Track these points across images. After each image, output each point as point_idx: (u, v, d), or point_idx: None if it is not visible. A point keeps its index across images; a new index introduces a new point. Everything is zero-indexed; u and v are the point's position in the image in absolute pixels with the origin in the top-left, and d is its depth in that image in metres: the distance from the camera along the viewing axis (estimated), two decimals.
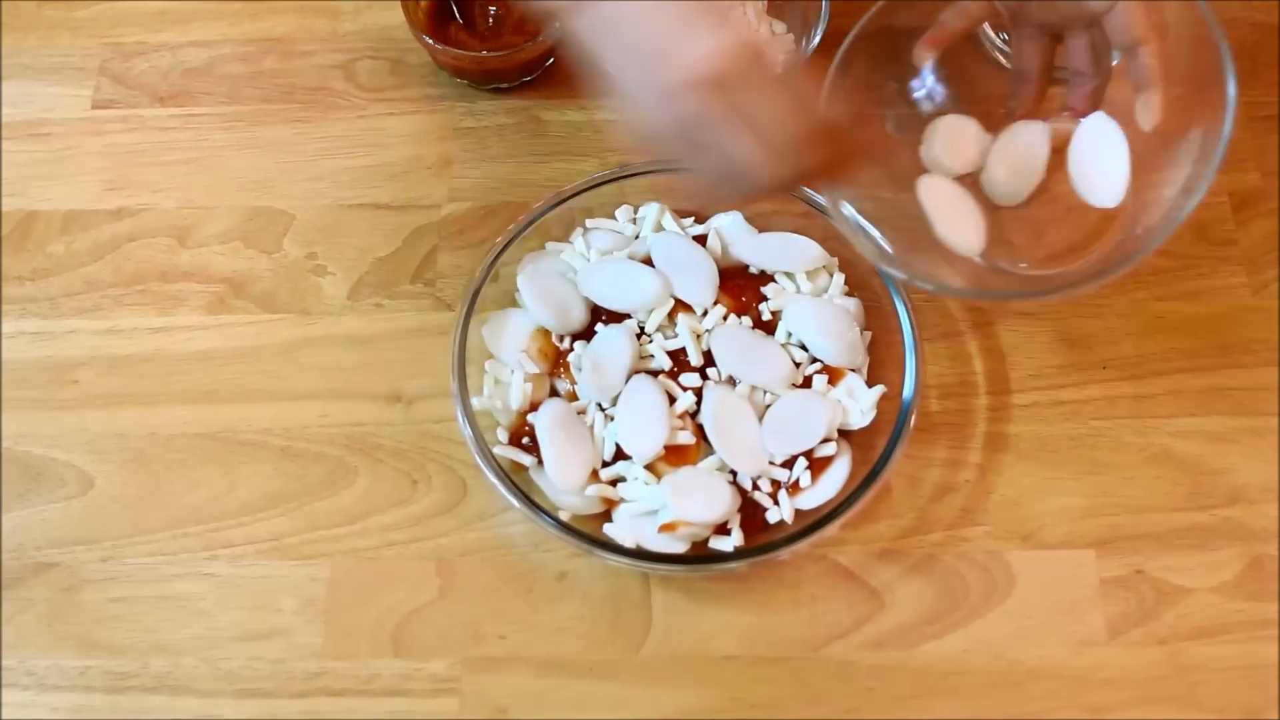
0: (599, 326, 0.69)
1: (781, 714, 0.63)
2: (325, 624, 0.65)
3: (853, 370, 0.67)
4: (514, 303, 0.71)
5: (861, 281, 0.70)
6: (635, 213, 0.73)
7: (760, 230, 0.71)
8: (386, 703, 0.64)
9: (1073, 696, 0.62)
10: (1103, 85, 0.63)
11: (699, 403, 0.66)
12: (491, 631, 0.65)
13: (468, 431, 0.65)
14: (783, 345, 0.68)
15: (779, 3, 0.80)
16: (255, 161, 0.79)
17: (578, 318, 0.69)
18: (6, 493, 0.69)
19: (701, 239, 0.71)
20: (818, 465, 0.65)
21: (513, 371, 0.68)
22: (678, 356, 0.68)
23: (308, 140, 0.80)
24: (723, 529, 0.64)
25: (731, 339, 0.68)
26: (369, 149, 0.79)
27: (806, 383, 0.67)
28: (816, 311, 0.68)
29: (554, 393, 0.68)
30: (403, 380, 0.71)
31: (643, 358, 0.68)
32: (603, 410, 0.67)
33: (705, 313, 0.69)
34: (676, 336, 0.68)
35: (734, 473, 0.65)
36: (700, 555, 0.64)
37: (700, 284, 0.69)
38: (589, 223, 0.72)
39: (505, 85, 0.80)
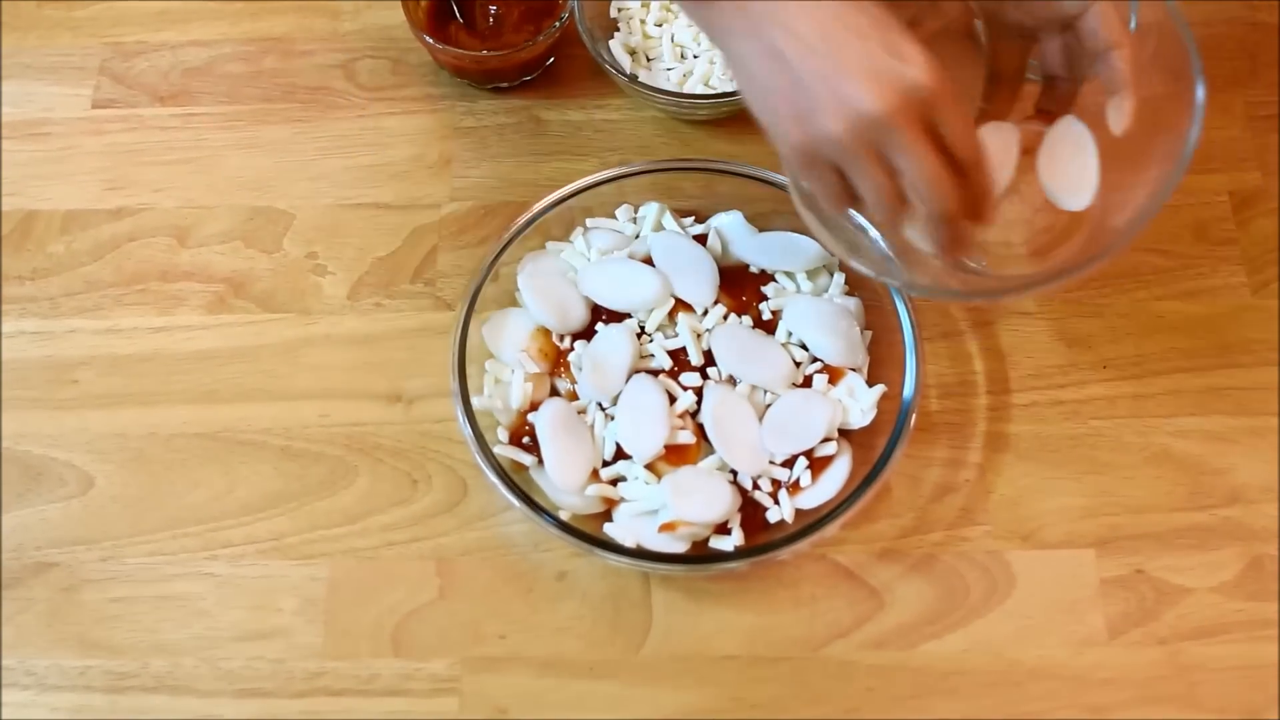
0: (599, 326, 0.69)
1: (781, 714, 0.63)
2: (325, 624, 0.65)
3: (853, 370, 0.67)
4: (514, 302, 0.71)
5: (861, 281, 0.70)
6: (635, 212, 0.73)
7: (760, 230, 0.71)
8: (386, 703, 0.63)
9: (1073, 696, 0.62)
10: (1075, 88, 0.63)
11: (699, 402, 0.66)
12: (491, 631, 0.65)
13: (468, 431, 0.65)
14: (783, 345, 0.68)
15: None
16: (255, 161, 0.79)
17: (578, 317, 0.69)
18: (6, 493, 0.69)
19: (702, 238, 0.71)
20: (818, 465, 0.65)
21: (513, 371, 0.68)
22: (678, 356, 0.68)
23: (308, 140, 0.80)
24: (723, 528, 0.64)
25: (732, 338, 0.68)
26: (369, 148, 0.79)
27: (807, 382, 0.67)
28: (817, 311, 0.68)
29: (554, 392, 0.68)
30: (403, 380, 0.71)
31: (643, 357, 0.68)
32: (603, 410, 0.67)
33: (705, 312, 0.69)
34: (677, 336, 0.68)
35: (734, 472, 0.65)
36: (700, 555, 0.64)
37: (700, 283, 0.69)
38: (589, 222, 0.72)
39: (505, 85, 0.80)
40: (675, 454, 0.65)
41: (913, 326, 0.66)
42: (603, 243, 0.71)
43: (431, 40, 0.77)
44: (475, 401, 0.66)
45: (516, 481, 0.64)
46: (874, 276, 0.62)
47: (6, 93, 0.82)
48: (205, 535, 0.68)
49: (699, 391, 0.67)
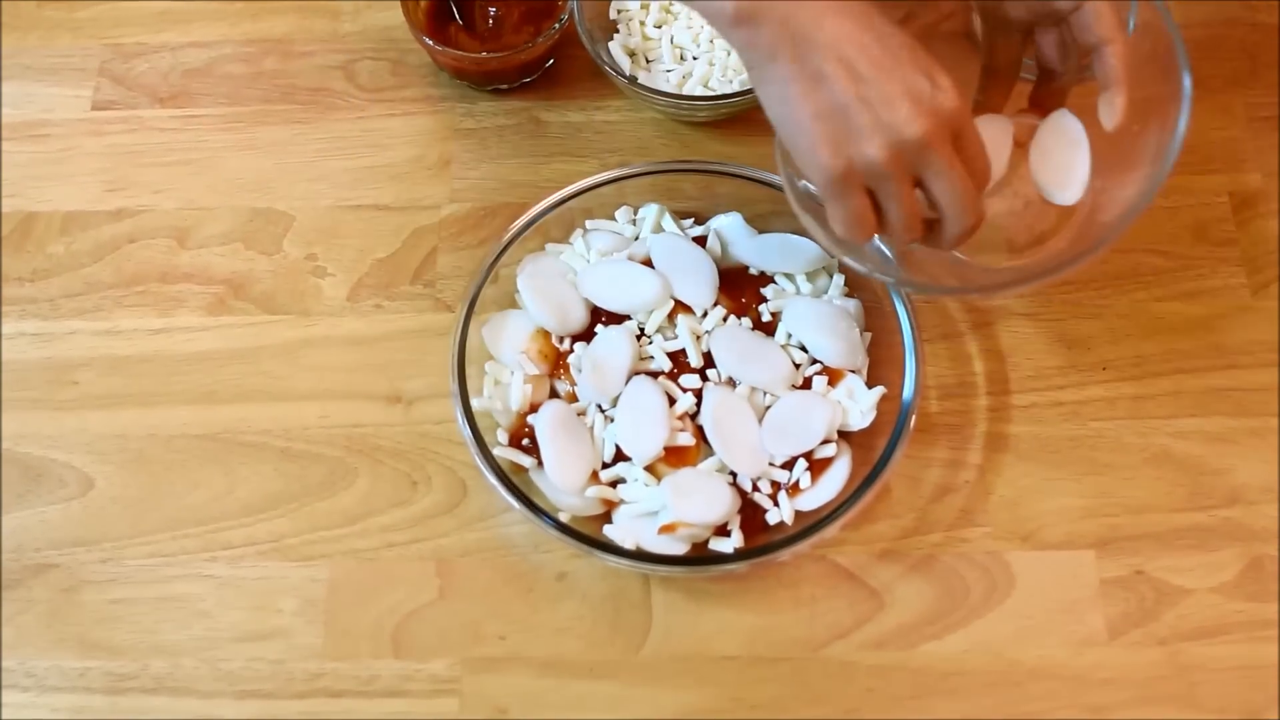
0: (599, 327, 0.69)
1: (781, 714, 0.63)
2: (325, 625, 0.65)
3: (853, 371, 0.67)
4: (514, 304, 0.71)
5: (861, 282, 0.70)
6: (635, 213, 0.73)
7: (760, 231, 0.71)
8: (386, 703, 0.64)
9: (1073, 696, 0.62)
10: (1068, 83, 0.63)
11: (699, 404, 0.66)
12: (491, 632, 0.65)
13: (468, 432, 0.65)
14: (782, 346, 0.68)
15: None
16: (255, 162, 0.79)
17: (578, 319, 0.69)
18: (6, 493, 0.69)
19: (701, 240, 0.71)
20: (818, 466, 0.65)
21: (513, 373, 0.68)
22: (678, 358, 0.68)
23: (308, 141, 0.80)
24: (723, 530, 0.64)
25: (731, 340, 0.68)
26: (369, 150, 0.79)
27: (806, 384, 0.67)
28: (816, 312, 0.68)
29: (554, 394, 0.68)
30: (403, 381, 0.71)
31: (643, 359, 0.68)
32: (603, 411, 0.67)
33: (705, 314, 0.69)
34: (676, 338, 0.68)
35: (734, 474, 0.65)
36: (700, 556, 0.64)
37: (700, 285, 0.69)
38: (589, 223, 0.72)
39: (505, 86, 0.80)
40: (675, 456, 0.65)
41: (912, 328, 0.66)
42: (602, 244, 0.71)
43: (431, 42, 0.77)
44: (475, 403, 0.66)
45: (516, 483, 0.64)
46: (871, 275, 0.62)
47: (6, 94, 0.82)
48: (205, 536, 0.68)
49: (698, 393, 0.67)
